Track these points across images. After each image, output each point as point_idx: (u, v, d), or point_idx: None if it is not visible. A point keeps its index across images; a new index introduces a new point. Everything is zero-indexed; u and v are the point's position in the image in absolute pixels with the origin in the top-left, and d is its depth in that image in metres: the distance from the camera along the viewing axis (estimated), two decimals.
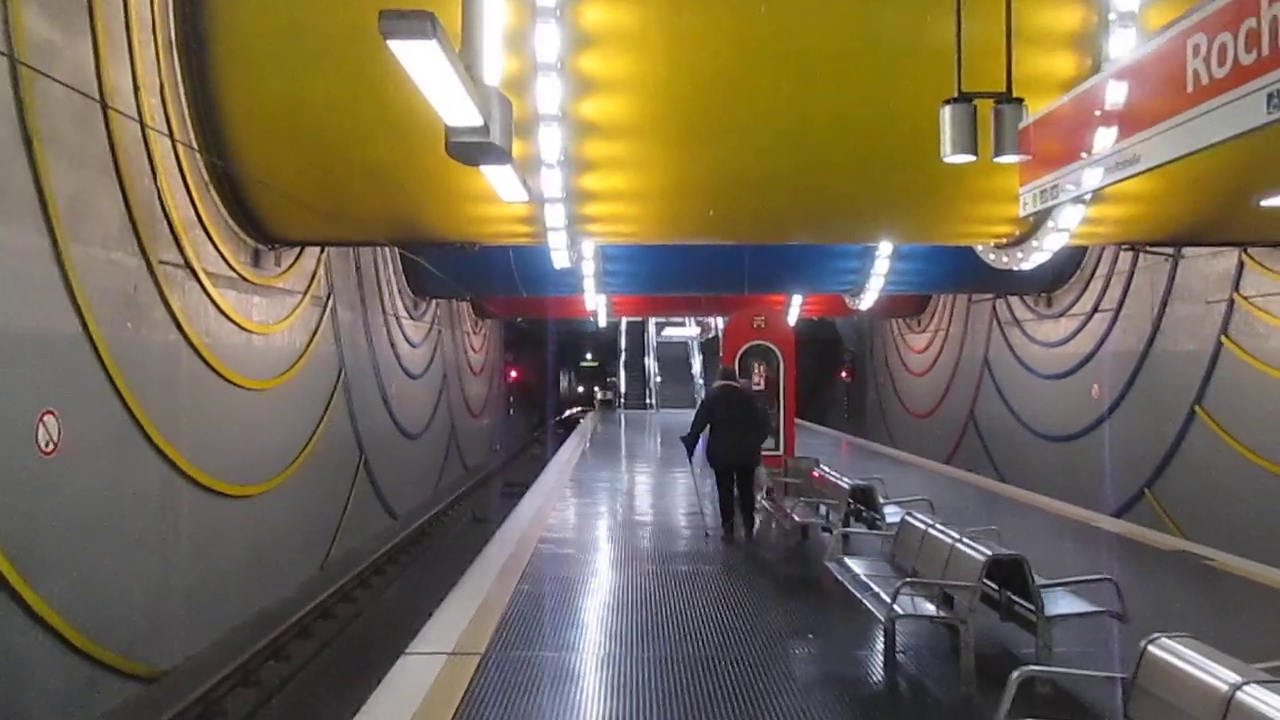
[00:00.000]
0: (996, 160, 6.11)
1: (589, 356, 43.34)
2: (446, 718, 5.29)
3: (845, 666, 6.29)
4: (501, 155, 6.01)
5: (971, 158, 6.05)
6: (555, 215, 11.20)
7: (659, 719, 5.35)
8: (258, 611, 11.76)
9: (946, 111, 6.00)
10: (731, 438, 10.70)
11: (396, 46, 4.27)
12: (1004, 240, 12.90)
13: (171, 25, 10.03)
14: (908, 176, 10.62)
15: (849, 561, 7.25)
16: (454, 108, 5.32)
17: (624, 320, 42.93)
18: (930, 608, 6.19)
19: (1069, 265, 18.77)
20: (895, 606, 5.92)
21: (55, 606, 8.03)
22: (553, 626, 7.30)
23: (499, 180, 7.36)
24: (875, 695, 5.73)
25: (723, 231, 12.83)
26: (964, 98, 6.00)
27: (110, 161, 9.06)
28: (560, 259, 12.84)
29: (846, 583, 6.80)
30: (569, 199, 11.02)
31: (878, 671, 6.24)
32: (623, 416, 36.82)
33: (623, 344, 46.35)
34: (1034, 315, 21.00)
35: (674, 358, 43.82)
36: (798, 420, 23.20)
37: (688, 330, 42.03)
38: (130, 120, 9.20)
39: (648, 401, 43.46)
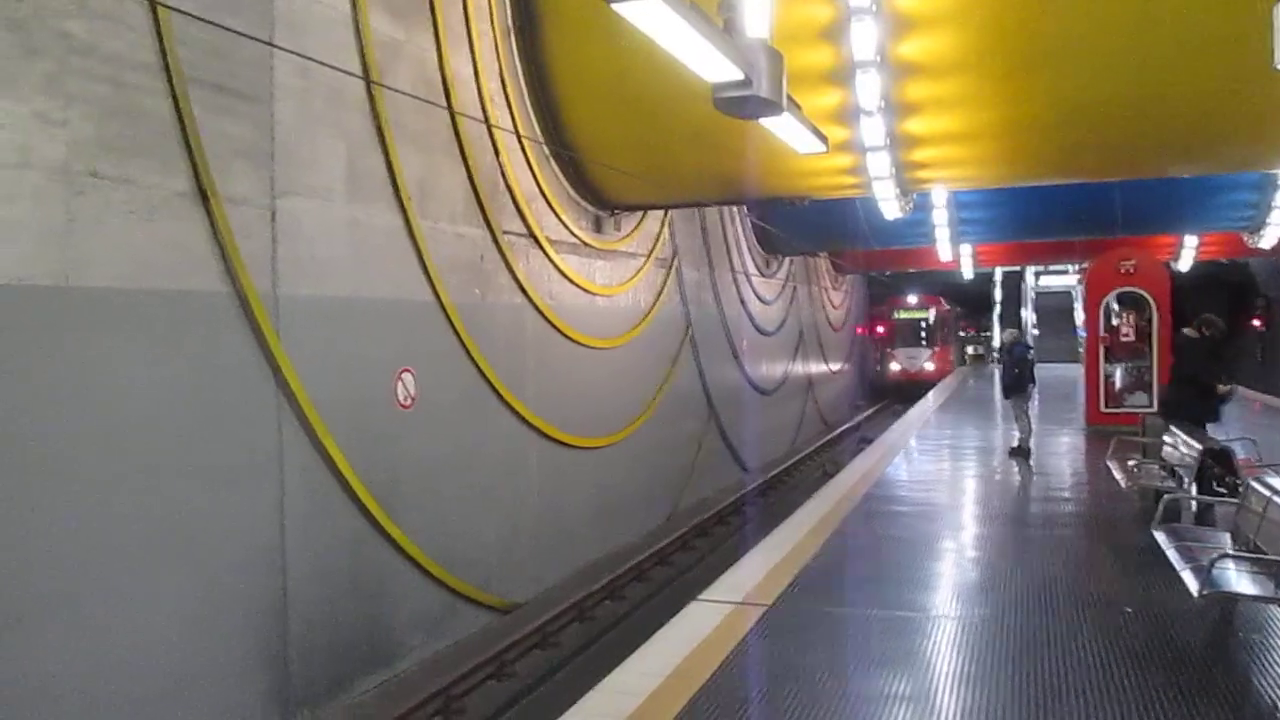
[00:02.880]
0: None
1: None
2: (714, 664, 5.41)
3: (1154, 646, 5.63)
4: (770, 107, 5.96)
5: None
6: (879, 164, 10.90)
7: (923, 690, 5.14)
8: (604, 555, 12.61)
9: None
10: (1173, 392, 10.56)
11: (621, 9, 4.35)
12: None
13: (507, 11, 10.87)
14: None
15: (1178, 529, 6.49)
16: (709, 65, 5.35)
17: (998, 270, 40.60)
18: (1266, 587, 5.39)
19: None
20: (1213, 580, 5.23)
21: (418, 542, 9.13)
22: (850, 584, 7.20)
23: (785, 133, 7.28)
24: (1178, 682, 5.09)
25: (1066, 168, 11.75)
26: None
27: (454, 143, 10.00)
28: (890, 209, 12.42)
29: (1170, 552, 6.10)
30: (893, 146, 10.67)
31: (1194, 656, 5.53)
32: (995, 372, 34.99)
33: (997, 295, 43.91)
34: None
35: (1054, 308, 40.78)
36: None
37: (1068, 279, 38.90)
38: (470, 106, 10.08)
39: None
